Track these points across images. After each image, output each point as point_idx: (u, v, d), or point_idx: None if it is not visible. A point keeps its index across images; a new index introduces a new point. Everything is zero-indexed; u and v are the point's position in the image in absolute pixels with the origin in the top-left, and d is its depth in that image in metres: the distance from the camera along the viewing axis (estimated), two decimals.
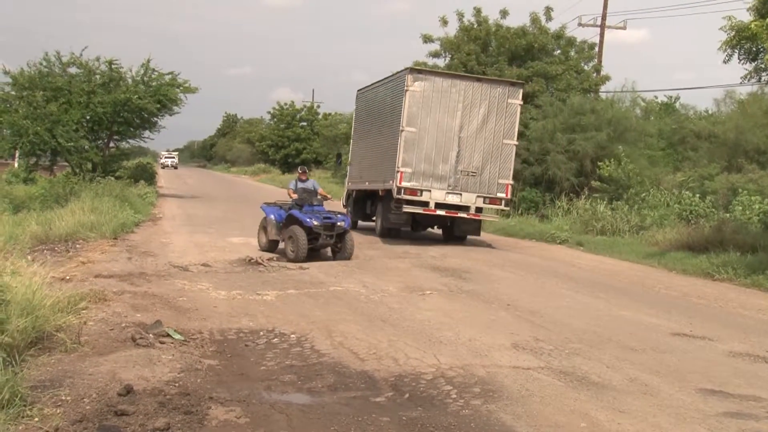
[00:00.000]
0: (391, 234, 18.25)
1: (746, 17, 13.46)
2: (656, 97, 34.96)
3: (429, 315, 9.20)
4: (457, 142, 17.14)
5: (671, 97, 35.11)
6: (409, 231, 18.79)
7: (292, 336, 7.85)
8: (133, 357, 6.66)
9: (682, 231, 17.13)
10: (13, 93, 29.27)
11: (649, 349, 7.96)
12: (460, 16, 29.10)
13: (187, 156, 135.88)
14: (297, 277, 11.87)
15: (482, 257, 15.60)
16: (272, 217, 14.63)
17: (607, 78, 29.83)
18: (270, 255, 13.91)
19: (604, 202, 21.33)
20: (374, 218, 19.46)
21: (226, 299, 9.76)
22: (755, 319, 10.20)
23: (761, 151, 23.11)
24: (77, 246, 14.32)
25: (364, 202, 20.25)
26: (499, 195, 17.32)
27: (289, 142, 67.97)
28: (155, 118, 31.84)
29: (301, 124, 69.71)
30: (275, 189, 47.63)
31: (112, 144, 32.29)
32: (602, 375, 6.81)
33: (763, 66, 13.84)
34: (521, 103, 17.89)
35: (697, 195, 20.10)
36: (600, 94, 29.33)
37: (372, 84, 21.25)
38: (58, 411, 5.24)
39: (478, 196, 17.19)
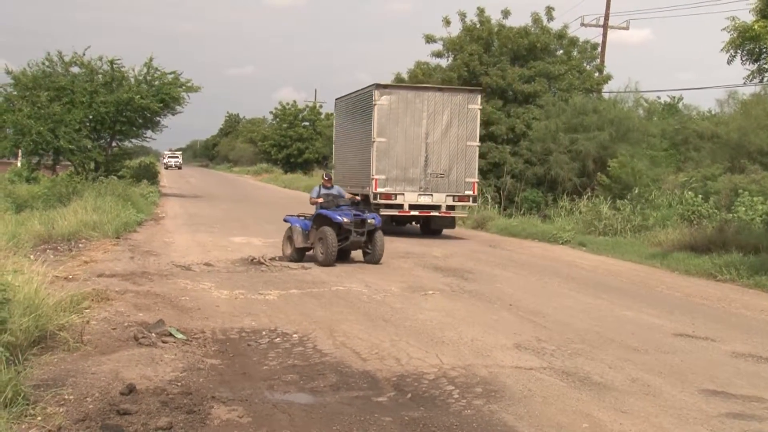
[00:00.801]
0: None
1: (749, 18, 13.43)
2: (659, 98, 35.02)
3: (431, 315, 9.21)
4: (425, 147, 18.95)
5: (674, 97, 35.16)
6: (393, 226, 20.08)
7: (295, 335, 7.85)
8: (136, 356, 6.68)
9: (684, 231, 17.09)
10: (15, 93, 29.32)
11: (651, 349, 7.95)
12: (463, 16, 29.11)
13: (190, 155, 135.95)
14: (299, 277, 11.88)
15: (485, 257, 15.60)
16: (298, 225, 13.86)
17: (609, 78, 29.86)
18: (272, 254, 13.87)
19: (607, 202, 21.30)
20: None
21: (229, 299, 9.77)
22: (758, 319, 10.18)
23: (764, 152, 23.06)
24: (80, 245, 14.34)
25: None
26: (467, 193, 19.22)
27: (292, 142, 67.96)
28: (158, 118, 31.90)
29: (303, 123, 69.70)
30: (278, 189, 47.69)
31: (114, 143, 32.34)
32: (604, 375, 6.80)
33: (766, 67, 13.80)
34: (480, 107, 19.71)
35: (700, 195, 20.06)
36: (602, 94, 29.32)
37: (348, 94, 22.67)
38: (60, 410, 5.25)
39: (447, 195, 19.00)
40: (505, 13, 28.99)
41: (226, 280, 11.28)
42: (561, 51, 29.36)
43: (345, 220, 13.27)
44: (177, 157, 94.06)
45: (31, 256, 10.83)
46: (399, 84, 21.06)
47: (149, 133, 33.05)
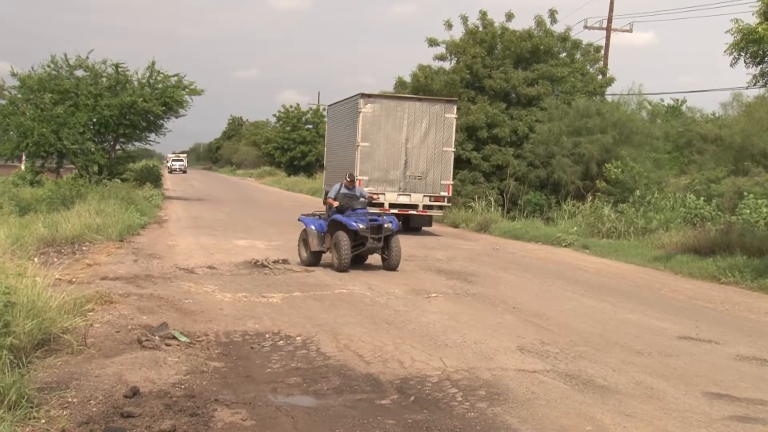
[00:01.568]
0: None
1: (753, 20, 13.42)
2: (662, 100, 34.93)
3: (434, 318, 9.20)
4: (405, 152, 20.79)
5: (678, 100, 35.10)
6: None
7: (298, 338, 7.86)
8: (139, 359, 6.68)
9: (688, 234, 17.07)
10: (20, 96, 29.41)
11: (655, 352, 7.94)
12: (465, 19, 29.11)
13: (193, 158, 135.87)
14: (302, 280, 11.88)
15: (488, 260, 15.59)
16: (313, 227, 13.39)
17: (612, 80, 29.80)
18: (276, 257, 13.86)
19: (610, 205, 21.28)
20: None
21: (232, 302, 9.78)
22: (762, 322, 10.17)
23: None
24: (83, 248, 14.36)
25: None
26: (442, 194, 20.98)
27: (295, 145, 67.96)
28: (161, 121, 31.95)
29: (306, 126, 69.70)
30: (281, 191, 47.71)
31: (118, 147, 32.41)
32: (608, 378, 6.79)
33: None
34: (456, 116, 21.57)
35: (703, 198, 20.04)
36: (606, 96, 29.28)
37: (337, 101, 24.73)
38: (64, 413, 5.26)
39: (424, 196, 20.80)
40: (509, 16, 29.01)
41: (230, 283, 11.29)
42: (564, 54, 29.34)
43: (361, 226, 12.81)
44: (182, 160, 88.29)
45: (35, 259, 10.85)
46: (382, 94, 22.65)
47: (152, 136, 33.14)
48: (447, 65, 29.43)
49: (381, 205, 20.04)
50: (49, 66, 29.91)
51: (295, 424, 5.34)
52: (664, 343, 8.45)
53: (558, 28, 29.15)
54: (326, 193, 24.68)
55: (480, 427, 5.40)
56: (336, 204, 13.44)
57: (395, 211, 20.08)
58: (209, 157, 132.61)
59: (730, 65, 13.83)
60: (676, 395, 6.38)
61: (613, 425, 5.55)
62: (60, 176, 30.23)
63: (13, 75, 29.50)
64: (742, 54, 13.58)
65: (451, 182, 21.42)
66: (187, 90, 31.57)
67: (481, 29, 28.79)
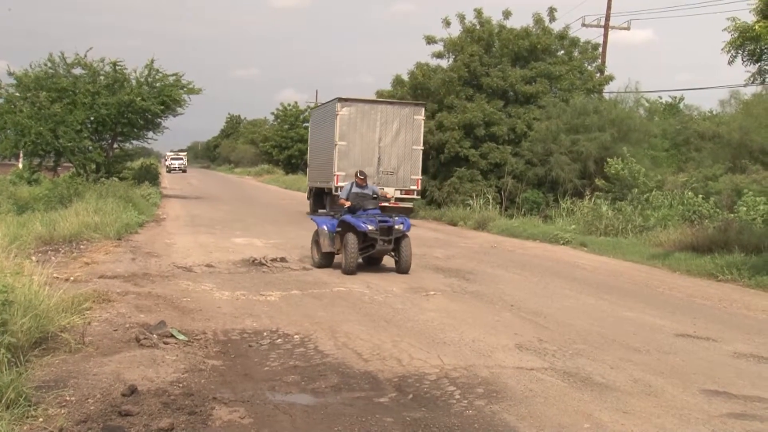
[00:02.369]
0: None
1: (750, 18, 13.41)
2: (660, 98, 34.91)
3: (433, 316, 9.21)
4: (378, 150, 22.86)
5: (675, 97, 35.07)
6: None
7: (296, 337, 7.86)
8: (137, 357, 6.68)
9: (686, 232, 17.08)
10: (17, 94, 29.37)
11: (652, 349, 7.95)
12: (462, 18, 29.10)
13: (191, 157, 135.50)
14: (301, 278, 11.88)
15: (486, 258, 15.60)
16: (324, 227, 13.02)
17: (610, 78, 29.78)
18: (274, 256, 13.86)
19: (608, 203, 21.29)
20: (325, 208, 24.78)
21: (230, 300, 9.78)
22: (759, 320, 10.18)
23: (765, 152, 23.04)
24: (81, 247, 14.36)
25: (320, 196, 25.29)
26: (412, 187, 23.12)
27: (293, 143, 67.97)
28: (159, 119, 31.93)
29: (304, 124, 69.64)
30: (279, 190, 47.70)
31: (116, 145, 32.38)
32: (606, 376, 6.80)
33: (767, 67, 13.78)
34: (424, 118, 23.53)
35: (701, 196, 20.05)
36: (603, 94, 29.29)
37: (319, 105, 29.23)
38: (62, 411, 5.25)
39: (396, 189, 22.68)
40: (506, 14, 29.00)
41: (228, 281, 11.29)
42: (562, 52, 29.33)
43: (370, 227, 12.36)
44: (181, 158, 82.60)
45: (33, 258, 10.85)
46: (357, 98, 24.08)
47: (150, 134, 33.12)
48: (445, 63, 29.45)
49: None
50: (46, 64, 29.89)
51: (294, 422, 5.34)
52: (661, 340, 8.46)
53: (556, 26, 29.18)
54: (310, 190, 27.47)
55: (478, 425, 5.40)
56: (347, 204, 13.14)
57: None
58: (207, 155, 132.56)
59: (728, 63, 13.82)
60: (674, 392, 6.39)
61: (611, 422, 5.55)
62: (57, 175, 30.21)
63: (10, 74, 29.48)
64: (740, 52, 13.58)
65: (420, 177, 23.34)
66: (185, 89, 31.55)
67: (478, 27, 28.78)
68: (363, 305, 9.78)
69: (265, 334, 7.95)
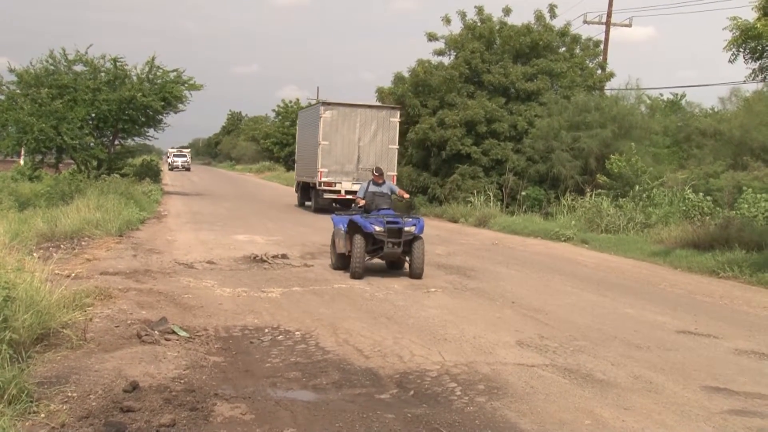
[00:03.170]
0: (321, 211, 25.51)
1: (752, 16, 13.39)
2: (661, 95, 34.90)
3: (434, 312, 9.21)
4: (358, 149, 25.37)
5: (677, 94, 35.00)
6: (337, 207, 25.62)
7: (297, 333, 7.86)
8: (139, 354, 6.69)
9: (687, 229, 17.07)
10: (18, 91, 29.37)
11: (653, 346, 7.96)
12: (463, 15, 29.07)
13: (193, 153, 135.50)
14: (302, 275, 11.89)
15: (487, 255, 15.60)
16: (341, 227, 12.36)
17: (612, 75, 29.72)
18: (275, 252, 13.87)
19: (609, 199, 21.27)
20: (311, 201, 27.55)
21: (231, 296, 9.78)
22: (760, 316, 10.18)
23: (766, 149, 23.00)
24: (83, 243, 14.37)
25: (306, 190, 28.32)
26: None
27: (294, 140, 67.87)
28: (160, 116, 31.93)
29: None
30: (280, 186, 47.69)
31: (117, 142, 32.38)
32: (607, 372, 6.81)
33: None
34: (399, 120, 26.05)
35: (701, 193, 20.03)
36: (605, 91, 29.24)
37: (305, 107, 33.15)
38: (64, 407, 5.26)
39: None
40: (506, 11, 28.94)
41: (229, 278, 11.30)
42: (563, 49, 29.29)
43: (377, 228, 11.73)
44: (185, 155, 77.27)
45: (34, 254, 10.84)
46: (339, 102, 26.30)
47: (152, 131, 33.12)
48: (446, 60, 29.41)
49: (338, 192, 25.38)
50: (47, 61, 29.89)
51: (295, 419, 5.35)
52: (662, 337, 8.46)
53: (557, 23, 29.14)
54: (297, 184, 30.61)
55: (479, 421, 5.41)
56: (361, 203, 12.72)
57: (350, 196, 23.94)
58: (208, 152, 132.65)
59: (729, 62, 13.82)
60: (675, 389, 6.39)
61: (612, 419, 5.56)
62: (59, 171, 30.21)
63: (11, 71, 29.48)
64: (741, 50, 13.57)
65: (395, 173, 25.79)
66: (186, 85, 31.54)
67: (479, 24, 28.75)
68: (364, 302, 9.78)
69: (266, 330, 7.96)
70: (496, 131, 26.67)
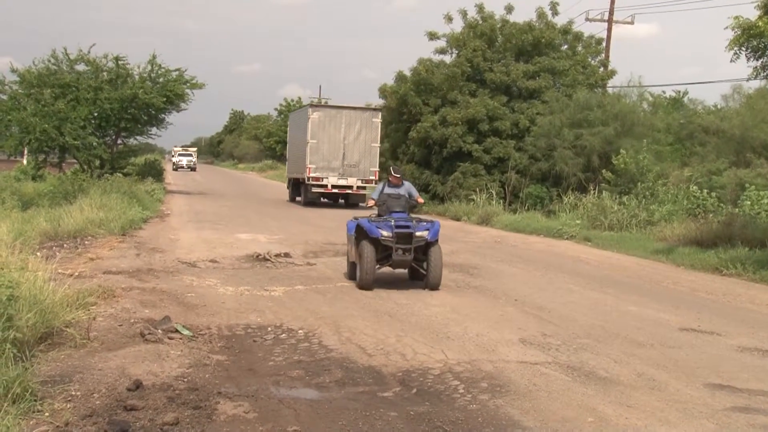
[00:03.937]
0: (310, 204, 28.43)
1: (754, 13, 13.38)
2: (664, 92, 34.75)
3: (436, 311, 9.22)
4: (343, 147, 27.91)
5: (679, 92, 34.93)
6: (324, 201, 29.55)
7: (300, 331, 7.87)
8: (142, 352, 6.70)
9: (690, 226, 17.05)
10: (21, 91, 29.37)
11: (656, 344, 7.95)
12: (464, 13, 29.05)
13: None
14: (305, 273, 11.90)
15: (490, 253, 15.59)
16: (352, 233, 11.27)
17: (614, 73, 29.70)
18: (278, 251, 13.86)
19: (612, 197, 21.24)
20: (301, 195, 29.67)
21: (234, 295, 9.79)
22: (763, 314, 10.17)
23: None
24: (86, 242, 14.39)
25: (296, 185, 30.90)
26: (371, 177, 27.91)
27: None
28: (162, 115, 31.91)
29: None
30: (283, 185, 47.60)
31: (119, 141, 32.39)
32: (610, 370, 6.80)
33: None
34: (381, 121, 28.78)
35: (705, 190, 20.00)
36: (607, 89, 29.21)
37: (295, 109, 37.61)
38: (68, 406, 5.27)
39: (357, 179, 28.06)
40: (509, 9, 28.93)
41: (232, 276, 11.30)
42: (566, 46, 29.26)
43: (384, 233, 10.50)
44: (190, 154, 73.80)
45: (38, 254, 10.86)
46: (325, 105, 29.96)
47: (154, 130, 33.11)
48: (448, 59, 29.40)
49: (325, 186, 27.95)
50: (49, 60, 29.89)
51: (298, 417, 5.35)
52: (665, 334, 8.46)
53: (559, 21, 29.10)
54: (289, 180, 33.22)
55: (482, 419, 5.41)
56: (370, 204, 11.66)
57: (336, 190, 28.25)
58: (211, 151, 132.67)
59: (731, 61, 13.81)
60: (678, 386, 6.39)
61: (614, 416, 5.56)
62: (62, 171, 30.23)
63: (13, 71, 29.49)
64: (743, 49, 13.55)
65: (377, 169, 28.01)
66: (188, 84, 31.52)
67: (480, 23, 28.72)
68: (367, 300, 9.79)
69: (269, 329, 7.96)
70: (498, 129, 26.66)
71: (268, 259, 12.96)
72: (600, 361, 7.07)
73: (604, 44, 30.36)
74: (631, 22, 32.57)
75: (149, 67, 30.99)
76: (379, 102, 32.20)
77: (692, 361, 7.30)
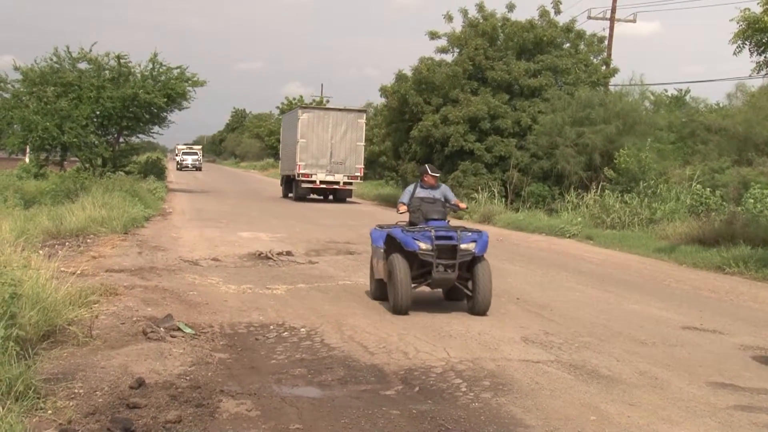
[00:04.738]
0: (301, 199, 30.72)
1: (758, 9, 13.35)
2: (666, 90, 34.82)
3: (438, 309, 9.20)
4: (330, 146, 30.28)
5: (681, 90, 34.96)
6: (313, 196, 31.44)
7: (302, 330, 7.87)
8: (145, 350, 6.71)
9: (692, 225, 17.05)
10: (23, 89, 29.41)
11: (659, 342, 7.95)
12: (465, 12, 29.03)
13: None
14: (307, 272, 11.90)
15: (491, 251, 15.47)
16: (380, 245, 9.34)
17: (616, 71, 29.67)
18: (280, 249, 13.86)
19: (614, 195, 21.23)
20: (292, 191, 31.96)
21: (237, 293, 9.80)
22: (766, 312, 10.16)
23: None
24: (88, 241, 14.40)
25: (288, 182, 33.06)
26: (356, 174, 30.89)
27: None
28: (164, 113, 31.94)
29: None
30: None
31: (121, 139, 32.42)
32: (612, 368, 6.80)
33: None
34: (366, 122, 31.91)
35: (708, 189, 19.99)
36: (609, 87, 29.18)
37: (287, 111, 40.43)
38: (71, 404, 5.28)
39: (344, 176, 30.54)
40: (510, 7, 28.90)
41: (234, 274, 11.31)
42: (568, 44, 29.23)
43: (422, 246, 8.72)
44: (195, 153, 70.43)
45: (40, 252, 10.88)
46: (314, 107, 33.49)
47: (156, 128, 33.15)
48: (449, 58, 29.39)
49: (314, 182, 30.28)
50: (51, 59, 29.92)
51: (300, 415, 5.36)
52: (668, 333, 8.45)
53: (562, 19, 29.08)
54: (282, 178, 35.12)
55: (484, 417, 5.41)
56: (402, 209, 9.61)
57: (324, 186, 30.64)
58: (213, 149, 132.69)
59: (734, 54, 13.79)
60: (680, 385, 6.39)
61: (617, 415, 5.56)
62: (64, 169, 30.26)
63: (16, 69, 29.53)
64: (747, 43, 13.54)
65: (362, 166, 31.16)
66: (189, 82, 31.54)
67: (481, 21, 28.70)
68: (368, 299, 9.78)
69: (271, 327, 7.97)
70: (500, 128, 26.64)
71: (270, 258, 12.97)
72: (602, 360, 7.07)
73: (606, 42, 30.33)
74: (634, 20, 32.56)
75: (150, 65, 31.03)
76: (380, 101, 32.39)
77: (694, 359, 7.30)
